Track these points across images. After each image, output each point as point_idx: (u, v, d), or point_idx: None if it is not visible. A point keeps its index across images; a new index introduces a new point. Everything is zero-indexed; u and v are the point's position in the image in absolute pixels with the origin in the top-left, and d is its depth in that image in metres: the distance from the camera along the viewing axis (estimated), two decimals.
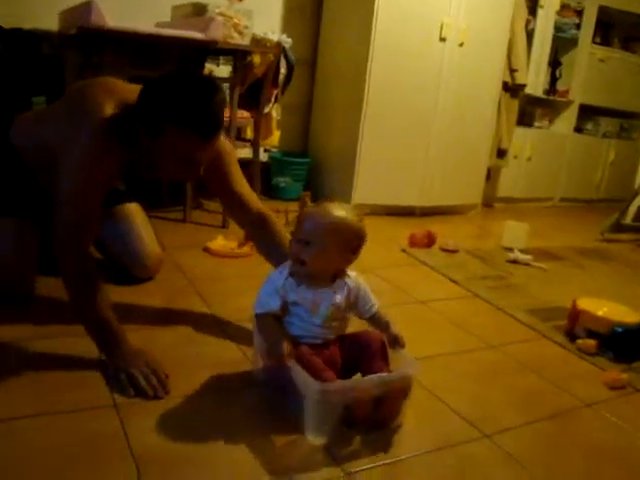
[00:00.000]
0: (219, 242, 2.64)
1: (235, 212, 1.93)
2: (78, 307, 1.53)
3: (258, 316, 1.42)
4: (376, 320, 1.50)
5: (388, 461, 1.26)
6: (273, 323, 1.41)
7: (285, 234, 1.85)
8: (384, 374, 1.36)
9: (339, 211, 1.41)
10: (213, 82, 1.58)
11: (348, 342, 1.46)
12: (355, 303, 1.48)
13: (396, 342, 1.44)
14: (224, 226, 2.96)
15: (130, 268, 2.05)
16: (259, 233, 1.88)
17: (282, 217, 2.84)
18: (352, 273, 1.49)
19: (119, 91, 1.65)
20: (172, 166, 1.58)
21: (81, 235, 1.54)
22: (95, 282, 1.52)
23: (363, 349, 1.43)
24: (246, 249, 2.58)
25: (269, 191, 3.86)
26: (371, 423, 1.35)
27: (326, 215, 1.40)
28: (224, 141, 1.81)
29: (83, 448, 1.18)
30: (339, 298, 1.44)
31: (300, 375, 1.28)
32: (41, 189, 1.82)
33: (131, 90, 1.63)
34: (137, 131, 1.54)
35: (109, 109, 1.57)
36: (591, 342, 1.96)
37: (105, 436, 1.22)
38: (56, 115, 1.73)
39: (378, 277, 2.49)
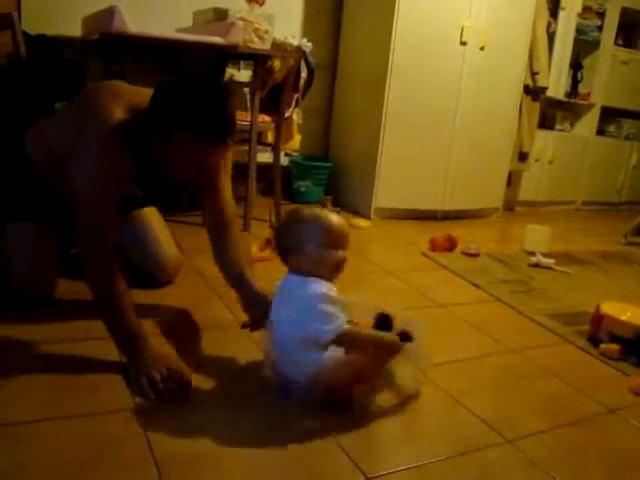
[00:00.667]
0: None
1: (206, 211, 1.96)
2: (102, 309, 1.54)
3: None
4: None
5: (410, 466, 1.25)
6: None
7: (240, 245, 1.88)
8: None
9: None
10: (224, 86, 1.60)
11: None
12: None
13: None
14: (245, 229, 2.96)
15: (149, 271, 2.06)
16: (217, 239, 1.86)
17: None
18: None
19: (126, 94, 1.66)
20: (184, 169, 1.61)
21: (102, 237, 1.54)
22: (119, 284, 1.52)
23: None
24: (267, 253, 2.58)
25: (290, 195, 3.87)
26: None
27: (337, 217, 1.49)
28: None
29: (105, 450, 1.18)
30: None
31: None
32: (52, 194, 1.85)
33: (138, 93, 1.65)
34: (148, 135, 1.55)
35: (117, 112, 1.58)
36: (614, 347, 1.94)
37: (126, 439, 1.23)
38: (63, 121, 1.75)
39: (399, 280, 2.48)
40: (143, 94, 1.60)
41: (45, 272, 1.83)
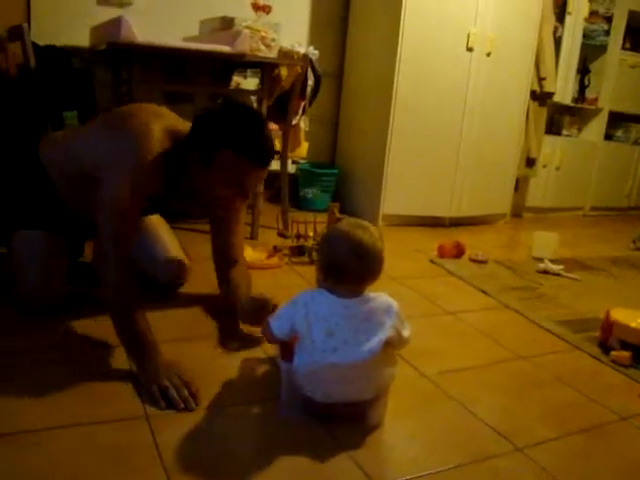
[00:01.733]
0: (248, 253, 2.64)
1: (215, 239, 2.02)
2: (115, 317, 1.55)
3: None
4: None
5: (420, 474, 1.25)
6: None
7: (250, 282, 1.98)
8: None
9: (372, 235, 1.36)
10: (260, 113, 1.66)
11: None
12: None
13: None
14: (252, 237, 2.97)
15: (156, 276, 2.07)
16: (228, 272, 1.98)
17: (310, 228, 2.85)
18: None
19: (165, 116, 1.74)
20: (222, 191, 1.68)
21: (122, 247, 1.58)
22: (134, 293, 1.55)
23: None
24: (275, 260, 2.59)
25: (297, 202, 3.88)
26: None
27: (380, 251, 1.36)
28: None
29: (115, 458, 1.19)
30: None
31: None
32: (62, 204, 1.87)
33: (177, 118, 1.75)
34: (186, 158, 1.64)
35: (157, 133, 1.64)
36: (625, 354, 1.92)
37: (136, 447, 1.23)
38: (97, 135, 1.76)
39: (407, 288, 2.48)
40: (181, 120, 1.72)
41: (54, 280, 1.83)
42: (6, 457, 1.15)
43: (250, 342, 1.77)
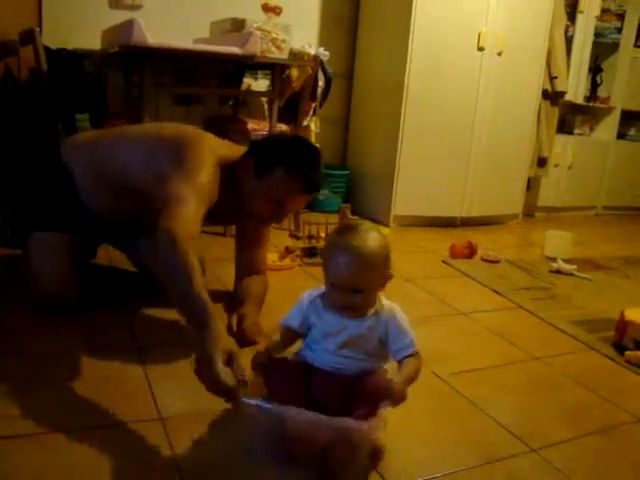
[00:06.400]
0: None
1: (240, 250, 2.07)
2: (182, 288, 1.41)
3: (280, 327, 1.37)
4: (400, 367, 1.28)
5: (434, 475, 1.24)
6: (279, 336, 1.34)
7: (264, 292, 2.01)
8: (324, 417, 1.13)
9: (371, 241, 1.25)
10: (319, 150, 1.85)
11: (358, 382, 1.26)
12: (386, 339, 1.30)
13: (387, 394, 1.18)
14: None
15: None
16: (246, 279, 2.02)
17: (322, 229, 2.85)
18: (388, 303, 1.33)
19: (215, 139, 1.87)
20: (263, 206, 1.78)
21: (184, 250, 1.45)
22: (198, 269, 1.44)
23: (361, 392, 1.23)
24: (287, 261, 2.59)
25: (309, 204, 3.86)
26: (320, 472, 1.19)
27: (364, 254, 1.23)
28: None
29: (131, 459, 1.19)
30: (362, 329, 1.28)
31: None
32: (81, 205, 1.88)
33: (214, 138, 1.89)
34: (239, 168, 1.78)
35: (218, 148, 1.81)
36: None
37: (152, 448, 1.23)
38: (142, 146, 1.83)
39: (419, 288, 2.48)
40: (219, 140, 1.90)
41: (68, 283, 1.84)
42: (22, 459, 1.16)
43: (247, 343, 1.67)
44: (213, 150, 1.78)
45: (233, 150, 1.87)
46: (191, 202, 1.60)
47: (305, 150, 1.81)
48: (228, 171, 1.79)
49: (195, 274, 1.41)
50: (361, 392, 1.23)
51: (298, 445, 1.19)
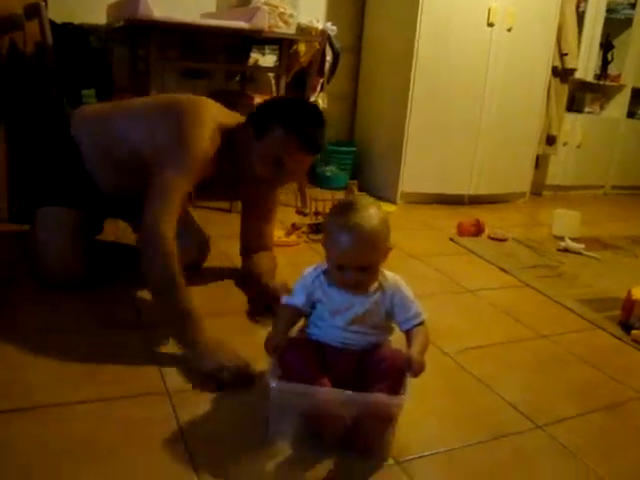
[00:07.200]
0: None
1: (246, 223, 2.07)
2: (159, 291, 1.52)
3: (281, 305, 1.36)
4: (409, 336, 1.29)
5: (440, 450, 1.25)
6: (285, 315, 1.34)
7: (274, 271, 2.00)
8: (354, 393, 1.15)
9: (373, 217, 1.25)
10: (322, 113, 1.78)
11: (370, 356, 1.28)
12: (392, 311, 1.31)
13: (408, 366, 1.19)
14: None
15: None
16: (256, 256, 2.02)
17: (329, 205, 2.84)
18: (391, 275, 1.33)
19: (212, 105, 1.82)
20: (263, 166, 1.72)
21: (171, 223, 1.56)
22: (180, 270, 1.50)
23: (376, 366, 1.25)
24: (293, 238, 2.59)
25: (315, 180, 3.85)
26: (347, 446, 1.21)
27: (369, 231, 1.23)
28: None
29: (137, 431, 1.20)
30: (369, 304, 1.29)
31: (271, 368, 1.23)
32: (88, 179, 1.87)
33: (220, 107, 1.85)
34: (239, 134, 1.74)
35: (217, 115, 1.77)
36: None
37: (157, 421, 1.24)
38: (152, 119, 1.79)
39: (426, 266, 2.47)
40: (226, 110, 1.86)
41: (75, 258, 1.84)
42: (28, 431, 1.17)
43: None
44: (213, 116, 1.75)
45: (234, 117, 1.85)
46: (177, 184, 1.62)
47: (304, 108, 1.77)
48: (228, 137, 1.76)
49: (179, 285, 1.48)
50: (376, 366, 1.24)
51: (325, 422, 1.20)
